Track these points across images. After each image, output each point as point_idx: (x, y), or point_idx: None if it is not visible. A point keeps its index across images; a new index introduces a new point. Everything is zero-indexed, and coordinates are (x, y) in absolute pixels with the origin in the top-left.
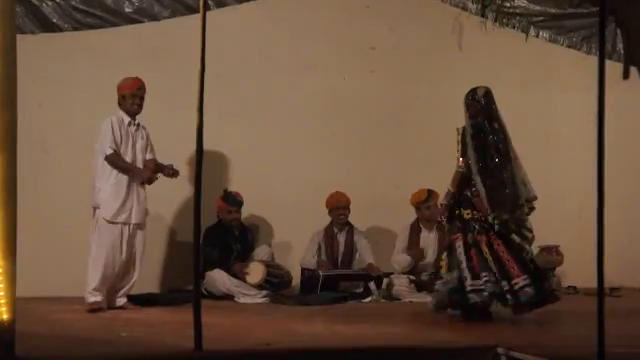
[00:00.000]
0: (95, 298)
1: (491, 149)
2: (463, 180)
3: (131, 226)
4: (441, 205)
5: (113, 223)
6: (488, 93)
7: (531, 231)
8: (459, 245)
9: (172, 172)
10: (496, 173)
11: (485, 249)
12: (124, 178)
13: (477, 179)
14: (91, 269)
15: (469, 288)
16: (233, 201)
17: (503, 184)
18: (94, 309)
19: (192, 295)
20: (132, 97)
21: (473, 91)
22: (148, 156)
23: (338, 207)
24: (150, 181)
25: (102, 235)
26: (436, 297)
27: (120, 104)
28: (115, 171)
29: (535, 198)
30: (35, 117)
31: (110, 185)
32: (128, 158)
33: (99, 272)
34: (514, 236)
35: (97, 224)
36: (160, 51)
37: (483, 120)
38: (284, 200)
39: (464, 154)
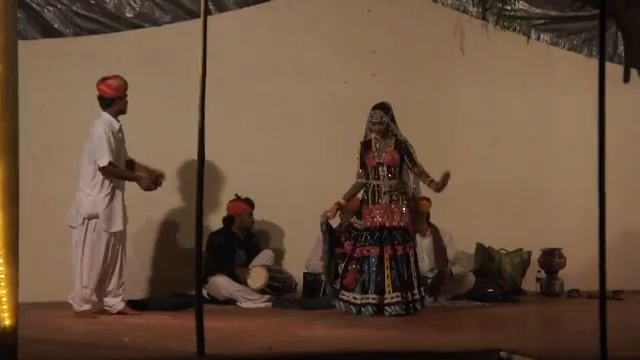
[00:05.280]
0: (86, 307)
1: None
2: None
3: (120, 231)
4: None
5: (110, 232)
6: None
7: None
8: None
9: (158, 178)
10: None
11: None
12: (117, 187)
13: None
14: (83, 277)
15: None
16: (252, 202)
17: None
18: (85, 317)
19: (194, 300)
20: (124, 98)
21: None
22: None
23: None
24: (153, 187)
25: (98, 244)
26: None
27: (107, 106)
28: (108, 181)
29: None
30: (37, 122)
31: (105, 195)
32: (121, 165)
33: (93, 281)
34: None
35: (91, 234)
36: (161, 56)
37: None
38: (286, 204)
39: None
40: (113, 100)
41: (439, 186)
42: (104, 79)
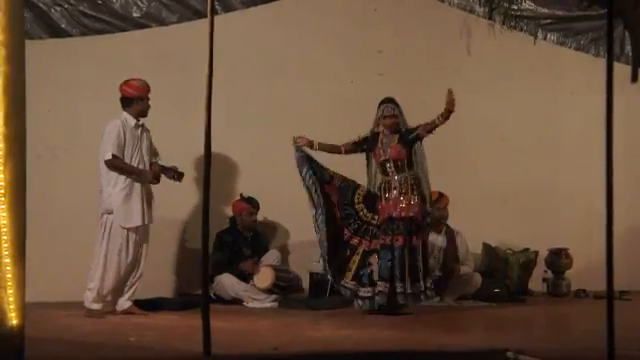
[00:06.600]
0: (96, 306)
1: None
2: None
3: (141, 228)
4: None
5: (126, 228)
6: None
7: None
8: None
9: (176, 175)
10: None
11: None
12: (133, 181)
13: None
14: (98, 275)
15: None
16: (255, 202)
17: None
18: (92, 316)
19: (201, 299)
20: (145, 100)
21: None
22: (152, 159)
23: None
24: (154, 181)
25: (114, 241)
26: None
27: (127, 106)
28: (123, 176)
29: None
30: (44, 122)
31: (120, 190)
32: (135, 161)
33: (110, 278)
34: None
35: (108, 230)
36: (168, 56)
37: None
38: (292, 204)
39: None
40: (133, 100)
41: (448, 106)
42: (127, 81)
